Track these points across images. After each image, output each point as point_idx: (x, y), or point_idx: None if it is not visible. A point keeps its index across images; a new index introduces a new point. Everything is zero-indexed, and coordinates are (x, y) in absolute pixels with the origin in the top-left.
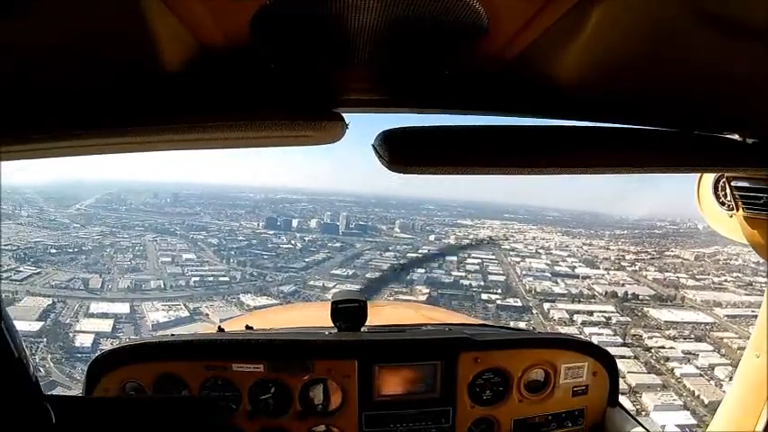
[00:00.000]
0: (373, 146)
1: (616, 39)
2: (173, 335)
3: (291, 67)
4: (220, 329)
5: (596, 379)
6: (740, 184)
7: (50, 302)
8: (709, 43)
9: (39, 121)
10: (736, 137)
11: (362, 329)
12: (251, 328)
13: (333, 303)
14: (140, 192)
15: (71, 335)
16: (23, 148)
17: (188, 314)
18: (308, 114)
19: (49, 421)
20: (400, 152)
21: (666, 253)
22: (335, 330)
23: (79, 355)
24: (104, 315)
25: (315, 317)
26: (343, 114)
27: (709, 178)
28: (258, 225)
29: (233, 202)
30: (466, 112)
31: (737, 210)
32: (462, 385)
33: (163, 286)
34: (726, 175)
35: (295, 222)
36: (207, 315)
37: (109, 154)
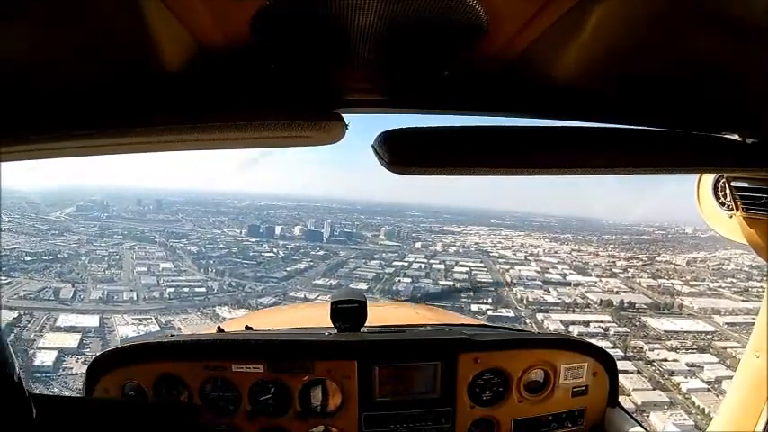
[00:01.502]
0: (373, 146)
1: (616, 39)
2: (172, 335)
3: (291, 68)
4: (220, 330)
5: (596, 379)
6: (740, 184)
7: (16, 315)
8: (708, 43)
9: (39, 121)
10: (735, 137)
11: (362, 330)
12: (251, 328)
13: (332, 304)
14: (124, 198)
15: (31, 352)
16: (23, 149)
17: (158, 329)
18: (307, 115)
19: (30, 416)
20: (400, 153)
21: (658, 259)
22: (335, 331)
23: (38, 375)
24: (72, 329)
25: (314, 317)
26: (343, 115)
27: (709, 178)
28: (240, 232)
29: (216, 209)
30: (466, 112)
31: (737, 210)
32: (462, 385)
33: (135, 298)
34: (725, 175)
35: (278, 229)
36: (179, 329)
37: (108, 154)
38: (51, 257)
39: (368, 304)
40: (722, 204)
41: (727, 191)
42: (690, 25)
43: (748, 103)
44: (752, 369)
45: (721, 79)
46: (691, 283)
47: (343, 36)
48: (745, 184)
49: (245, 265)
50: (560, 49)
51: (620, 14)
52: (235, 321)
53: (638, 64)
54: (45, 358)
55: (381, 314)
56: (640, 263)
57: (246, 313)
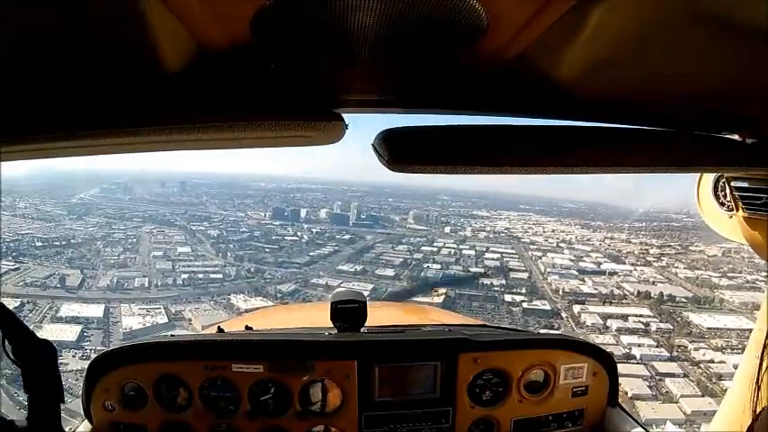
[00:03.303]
0: (373, 145)
1: (616, 39)
2: (172, 335)
3: (292, 68)
4: (220, 330)
5: (596, 379)
6: (740, 184)
7: (18, 304)
8: (709, 43)
9: (39, 121)
10: (735, 137)
11: (362, 330)
12: (251, 328)
13: (332, 304)
14: (148, 181)
15: None
16: (23, 148)
17: (167, 320)
18: (307, 114)
19: None
20: (400, 151)
21: (691, 248)
22: (335, 331)
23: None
24: (74, 319)
25: (314, 317)
26: (343, 114)
27: (709, 178)
28: (265, 215)
29: (242, 192)
30: (466, 111)
31: (737, 210)
32: (462, 386)
33: (147, 285)
34: (725, 175)
35: (303, 212)
36: (189, 321)
37: (109, 154)
38: (64, 243)
39: (368, 304)
40: (722, 204)
41: (727, 191)
42: (690, 25)
43: (748, 103)
44: (752, 369)
45: (721, 79)
46: (728, 275)
47: (343, 36)
48: (745, 184)
49: (267, 250)
50: (560, 49)
51: (619, 14)
52: (235, 321)
53: (638, 64)
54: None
55: (381, 314)
56: (674, 251)
57: (264, 303)
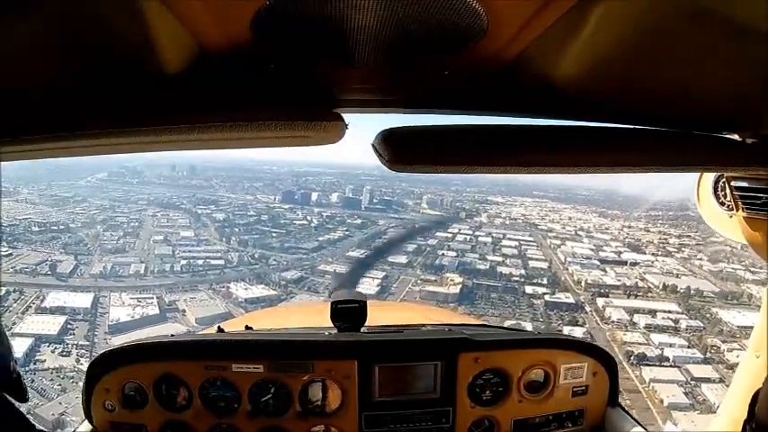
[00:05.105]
0: (373, 145)
1: (615, 39)
2: (172, 335)
3: (292, 68)
4: (220, 330)
5: (596, 379)
6: (740, 184)
7: (4, 292)
8: (708, 43)
9: (39, 121)
10: (735, 137)
11: (362, 330)
12: (251, 328)
13: (332, 304)
14: (158, 165)
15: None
16: (23, 148)
17: (158, 311)
18: (308, 114)
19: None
20: (400, 151)
21: (711, 239)
22: (335, 331)
23: None
24: (60, 309)
25: (315, 317)
26: (343, 114)
27: (709, 178)
28: (274, 198)
29: (253, 175)
30: (466, 112)
31: (737, 210)
32: (462, 385)
33: (143, 271)
34: (725, 175)
35: (314, 196)
36: (183, 312)
37: (109, 154)
38: (62, 227)
39: (368, 304)
40: (722, 204)
41: (727, 191)
42: (689, 25)
43: (748, 103)
44: (752, 369)
45: (721, 79)
46: (751, 269)
47: (343, 36)
48: (745, 184)
49: (274, 235)
50: (560, 49)
51: (619, 14)
52: (235, 321)
53: (638, 64)
54: (16, 348)
55: (381, 314)
56: (694, 242)
57: (265, 291)
